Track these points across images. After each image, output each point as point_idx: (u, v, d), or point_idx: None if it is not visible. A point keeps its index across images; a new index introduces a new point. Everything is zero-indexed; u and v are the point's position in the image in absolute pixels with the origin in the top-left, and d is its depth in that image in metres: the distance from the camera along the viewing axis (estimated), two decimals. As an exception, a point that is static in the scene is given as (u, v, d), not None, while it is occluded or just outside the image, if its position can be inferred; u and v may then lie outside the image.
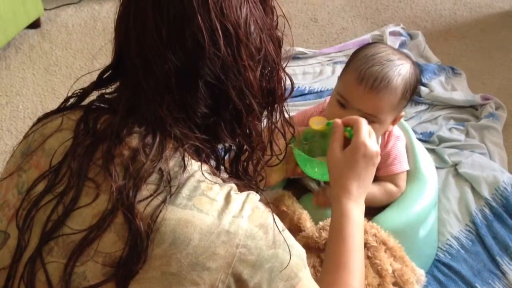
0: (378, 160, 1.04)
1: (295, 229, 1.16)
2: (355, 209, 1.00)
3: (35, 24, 2.45)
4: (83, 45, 2.40)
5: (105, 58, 2.30)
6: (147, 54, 0.73)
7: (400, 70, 1.16)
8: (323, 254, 1.11)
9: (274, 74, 0.80)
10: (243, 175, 0.83)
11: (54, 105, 2.06)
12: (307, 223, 1.18)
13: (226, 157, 0.86)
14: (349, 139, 1.05)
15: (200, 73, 0.73)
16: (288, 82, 0.84)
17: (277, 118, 0.85)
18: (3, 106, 2.09)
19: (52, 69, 2.27)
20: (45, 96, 2.13)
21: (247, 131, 0.80)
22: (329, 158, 1.04)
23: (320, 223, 1.16)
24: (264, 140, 0.84)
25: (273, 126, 0.85)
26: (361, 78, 1.15)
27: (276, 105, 0.83)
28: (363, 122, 1.05)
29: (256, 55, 0.76)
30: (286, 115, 0.86)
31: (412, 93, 1.21)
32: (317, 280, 0.83)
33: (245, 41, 0.74)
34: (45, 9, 2.49)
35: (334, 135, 1.06)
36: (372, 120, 1.16)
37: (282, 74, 0.82)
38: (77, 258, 0.69)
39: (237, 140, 0.80)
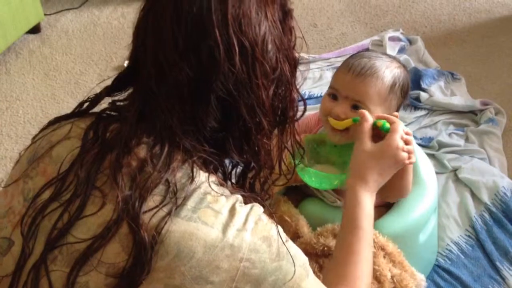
0: (402, 165, 1.06)
1: (293, 235, 1.15)
2: (369, 201, 1.01)
3: (35, 29, 2.45)
4: (83, 50, 2.40)
5: (105, 63, 2.31)
6: (162, 63, 0.73)
7: (389, 65, 1.21)
8: (322, 260, 1.11)
9: (287, 94, 0.80)
10: (248, 191, 0.82)
11: (54, 110, 2.06)
12: (305, 228, 1.17)
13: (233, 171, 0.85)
14: (381, 131, 1.07)
15: (212, 87, 0.72)
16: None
17: (287, 138, 0.84)
18: (3, 111, 2.09)
19: (52, 74, 2.27)
20: (45, 101, 2.13)
21: (256, 149, 0.79)
22: (357, 148, 1.05)
23: (318, 229, 1.16)
24: (273, 158, 0.83)
25: (282, 146, 0.84)
26: (349, 67, 1.19)
27: (286, 125, 0.83)
28: (401, 124, 1.07)
29: (270, 74, 0.76)
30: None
31: (403, 93, 1.22)
32: (326, 272, 0.83)
33: (261, 60, 0.74)
34: (45, 14, 2.50)
35: (363, 126, 1.07)
36: (362, 108, 1.17)
37: (295, 95, 0.82)
38: (81, 267, 0.69)
39: (244, 156, 0.80)
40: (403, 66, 1.26)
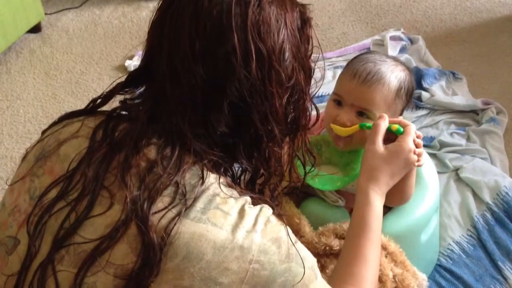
0: (411, 168, 1.08)
1: (294, 235, 1.15)
2: (379, 203, 1.01)
3: (35, 29, 2.45)
4: (84, 50, 2.40)
5: (106, 63, 2.30)
6: (177, 65, 0.72)
7: (394, 69, 1.19)
8: (323, 260, 1.11)
9: (301, 103, 0.80)
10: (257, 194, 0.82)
11: (54, 109, 2.06)
12: (306, 228, 1.17)
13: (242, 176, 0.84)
14: (395, 135, 1.08)
15: (226, 92, 0.72)
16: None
17: (299, 146, 0.84)
18: (4, 110, 2.09)
19: (52, 74, 2.27)
20: (45, 100, 2.13)
21: (266, 156, 0.79)
22: (369, 149, 1.05)
23: (320, 228, 1.16)
24: (283, 165, 0.83)
25: (293, 154, 0.84)
26: (354, 74, 1.17)
27: (298, 134, 0.83)
28: (414, 127, 1.08)
29: (285, 82, 0.75)
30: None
31: (408, 96, 1.21)
32: (332, 272, 0.82)
33: (277, 68, 0.73)
34: (45, 14, 2.50)
35: (378, 128, 1.06)
36: (368, 116, 1.16)
37: (308, 104, 0.82)
38: (88, 268, 0.68)
39: (253, 163, 0.79)
40: (407, 68, 1.24)
